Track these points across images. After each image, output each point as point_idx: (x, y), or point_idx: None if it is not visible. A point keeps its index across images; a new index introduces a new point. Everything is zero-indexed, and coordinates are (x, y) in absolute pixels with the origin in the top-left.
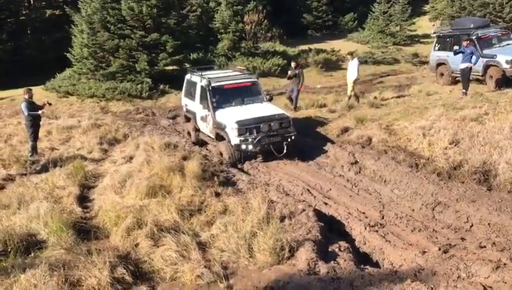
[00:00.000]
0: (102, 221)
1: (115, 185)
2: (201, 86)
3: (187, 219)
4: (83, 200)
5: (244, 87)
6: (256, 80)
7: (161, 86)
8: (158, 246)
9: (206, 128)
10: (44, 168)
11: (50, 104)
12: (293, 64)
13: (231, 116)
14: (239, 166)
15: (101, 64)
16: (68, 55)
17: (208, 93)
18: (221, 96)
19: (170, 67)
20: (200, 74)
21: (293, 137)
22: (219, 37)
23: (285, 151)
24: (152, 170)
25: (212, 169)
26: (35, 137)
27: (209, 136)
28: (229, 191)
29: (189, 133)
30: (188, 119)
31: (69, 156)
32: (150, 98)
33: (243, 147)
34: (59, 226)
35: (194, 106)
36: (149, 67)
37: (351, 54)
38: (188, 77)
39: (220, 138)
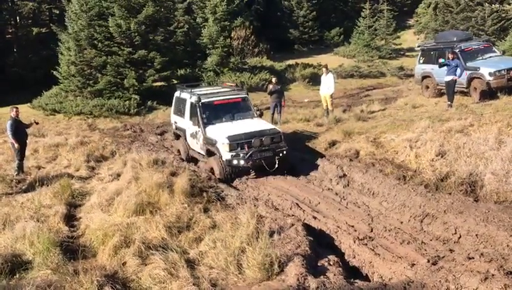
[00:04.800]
0: (90, 240)
1: (102, 203)
2: (191, 103)
3: (175, 236)
4: (70, 219)
5: (234, 103)
6: (246, 95)
7: (149, 102)
8: (146, 265)
9: (197, 145)
10: (31, 187)
11: (37, 123)
12: (273, 79)
13: (222, 131)
14: (228, 182)
15: (89, 81)
16: (55, 72)
17: (198, 109)
18: (211, 113)
19: (158, 84)
20: (190, 90)
21: (284, 152)
22: (207, 52)
23: (276, 166)
24: (140, 187)
25: (200, 185)
26: (21, 156)
27: (200, 153)
28: (218, 207)
29: (179, 151)
30: (177, 137)
31: (56, 175)
32: (137, 115)
33: (235, 162)
34: (45, 246)
35: (184, 123)
36: (137, 83)
37: (326, 66)
38: (177, 94)
39: (210, 154)
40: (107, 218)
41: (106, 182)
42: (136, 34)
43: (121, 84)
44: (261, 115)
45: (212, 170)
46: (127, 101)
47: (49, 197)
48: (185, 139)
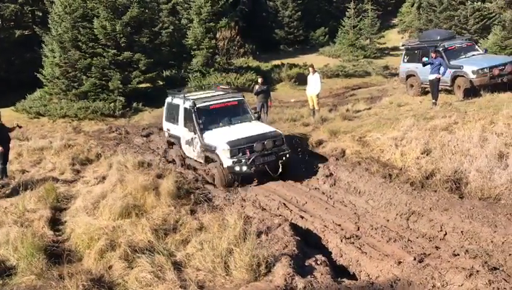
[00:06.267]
0: (75, 244)
1: (87, 206)
2: (185, 108)
3: (162, 239)
4: (55, 223)
5: (230, 107)
6: (242, 98)
7: (134, 104)
8: (132, 268)
9: (193, 153)
10: (15, 192)
11: (20, 127)
12: (259, 80)
13: (221, 137)
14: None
15: (73, 83)
16: (39, 75)
17: (193, 115)
18: (207, 118)
19: (143, 85)
20: (183, 95)
21: (287, 155)
22: (192, 53)
23: (280, 170)
24: (125, 190)
25: (187, 186)
26: (4, 160)
27: (197, 161)
28: (205, 209)
29: (173, 160)
30: (171, 145)
31: (41, 178)
32: (123, 117)
33: (237, 168)
34: (29, 251)
35: (178, 130)
36: (122, 85)
37: (312, 66)
38: (168, 100)
39: (209, 161)
40: (93, 221)
41: (91, 185)
42: (121, 35)
43: (106, 86)
44: (259, 118)
45: (213, 178)
46: (112, 103)
47: (34, 201)
48: (180, 147)
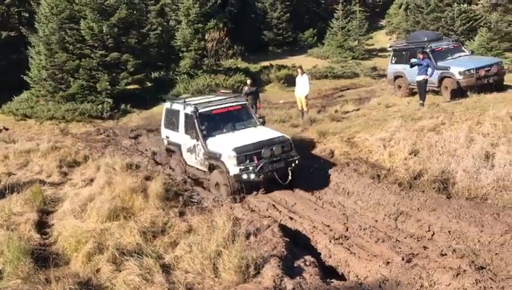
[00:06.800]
0: (62, 247)
1: (75, 209)
2: (186, 114)
3: (150, 241)
4: (42, 226)
5: (233, 112)
6: (245, 102)
7: (122, 106)
8: (120, 271)
9: (195, 160)
10: (1, 195)
11: (7, 129)
12: (248, 81)
13: (226, 143)
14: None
15: (60, 85)
16: (25, 77)
17: (195, 120)
18: (210, 123)
19: (131, 87)
20: (184, 100)
21: (297, 162)
22: (181, 55)
23: (290, 178)
24: (113, 192)
25: (176, 188)
26: None
27: (199, 169)
28: (194, 210)
29: (172, 169)
30: (171, 153)
31: (27, 181)
32: (111, 118)
33: (244, 176)
34: (16, 254)
35: (178, 137)
36: (110, 86)
37: (301, 68)
38: (167, 105)
39: (213, 169)
40: (80, 224)
41: (79, 188)
42: (109, 36)
43: (93, 87)
44: (263, 123)
45: (217, 186)
46: (100, 105)
47: (20, 204)
48: (181, 154)
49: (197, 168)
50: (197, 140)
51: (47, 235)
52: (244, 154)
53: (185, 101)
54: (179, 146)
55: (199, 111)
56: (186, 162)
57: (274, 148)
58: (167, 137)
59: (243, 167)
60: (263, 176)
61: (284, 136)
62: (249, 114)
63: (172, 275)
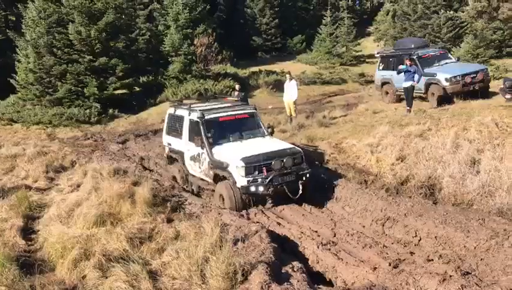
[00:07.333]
0: (48, 253)
1: (61, 214)
2: (191, 120)
3: (137, 247)
4: (27, 232)
5: (241, 120)
6: (254, 110)
7: (110, 111)
8: (107, 277)
9: (199, 169)
10: None
11: None
12: (237, 86)
13: (234, 152)
14: (191, 190)
15: (48, 89)
16: (12, 81)
17: (201, 127)
18: (216, 131)
19: (120, 91)
20: (189, 106)
21: (307, 175)
22: (169, 60)
23: (300, 192)
24: (100, 198)
25: (163, 194)
26: None
27: (203, 179)
28: (181, 216)
29: (174, 178)
30: (172, 161)
31: (13, 186)
32: (98, 123)
33: (252, 189)
34: (0, 261)
35: (181, 144)
36: (98, 91)
37: (289, 73)
38: (170, 111)
39: (218, 179)
40: (67, 230)
41: (66, 193)
42: (97, 41)
43: (81, 92)
44: (272, 133)
45: (222, 198)
46: (88, 110)
47: (5, 209)
48: (183, 163)
49: (200, 178)
50: (202, 148)
51: (32, 242)
52: (253, 165)
53: (190, 107)
54: (181, 154)
55: (205, 118)
56: (188, 171)
57: (285, 160)
58: (169, 144)
59: (251, 179)
60: (272, 189)
61: (295, 147)
62: (257, 123)
63: (160, 281)
